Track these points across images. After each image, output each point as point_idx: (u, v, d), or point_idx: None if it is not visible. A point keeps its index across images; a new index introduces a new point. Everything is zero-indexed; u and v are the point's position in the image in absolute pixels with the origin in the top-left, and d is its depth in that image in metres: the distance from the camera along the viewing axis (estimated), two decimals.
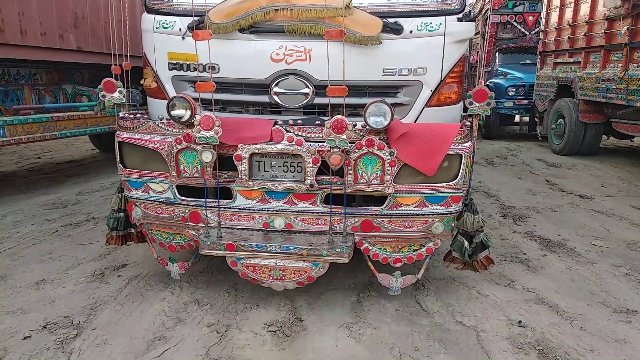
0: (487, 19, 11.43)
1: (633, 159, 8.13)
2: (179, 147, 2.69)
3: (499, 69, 11.16)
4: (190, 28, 2.89)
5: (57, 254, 3.72)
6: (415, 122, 3.00)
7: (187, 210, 2.83)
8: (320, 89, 2.86)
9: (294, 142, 2.63)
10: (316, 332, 2.53)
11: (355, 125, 2.63)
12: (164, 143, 2.75)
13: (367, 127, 2.58)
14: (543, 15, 9.31)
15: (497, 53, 11.41)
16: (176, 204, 2.83)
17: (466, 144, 2.72)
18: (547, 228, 4.40)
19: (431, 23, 2.86)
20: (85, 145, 9.49)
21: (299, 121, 2.73)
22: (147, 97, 3.29)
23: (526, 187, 6.15)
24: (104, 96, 2.96)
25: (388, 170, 2.61)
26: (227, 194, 2.80)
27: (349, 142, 2.57)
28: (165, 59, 3.06)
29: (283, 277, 2.65)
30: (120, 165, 2.92)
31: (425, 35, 2.87)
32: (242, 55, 2.91)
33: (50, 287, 3.07)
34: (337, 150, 2.54)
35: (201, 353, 2.33)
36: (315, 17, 2.76)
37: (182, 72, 3.04)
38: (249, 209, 2.77)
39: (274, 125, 2.68)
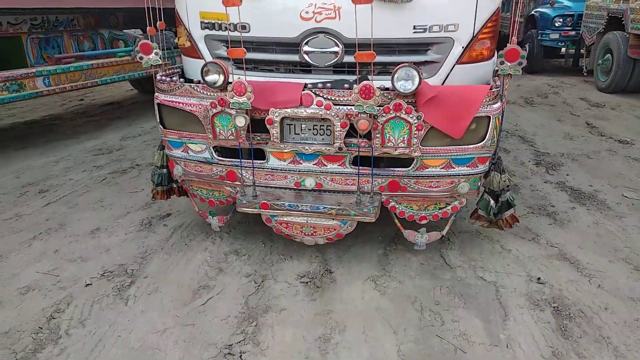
0: None
1: None
2: (214, 111, 2.82)
3: None
4: None
5: (108, 201, 4.04)
6: (446, 79, 2.99)
7: (224, 170, 3.00)
8: (350, 47, 2.85)
9: (322, 107, 2.70)
10: (344, 284, 2.75)
11: (383, 88, 2.66)
12: (200, 106, 2.87)
13: (395, 91, 2.61)
14: None
15: None
16: (214, 163, 3.00)
17: (495, 105, 2.71)
18: (580, 177, 4.38)
19: None
20: (124, 86, 9.75)
21: (328, 84, 2.77)
22: (182, 56, 3.38)
23: (564, 131, 6.01)
24: (141, 58, 3.07)
25: (415, 134, 2.66)
26: (261, 154, 2.95)
27: (377, 106, 2.62)
28: (198, 18, 3.10)
29: (314, 234, 2.84)
30: (160, 125, 3.09)
31: None
32: (272, 14, 2.92)
33: (105, 236, 3.40)
34: (365, 115, 2.60)
35: (241, 302, 2.60)
36: None
37: (214, 32, 3.08)
38: (281, 169, 2.91)
39: (303, 90, 2.75)
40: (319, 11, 2.85)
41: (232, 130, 2.85)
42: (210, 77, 2.75)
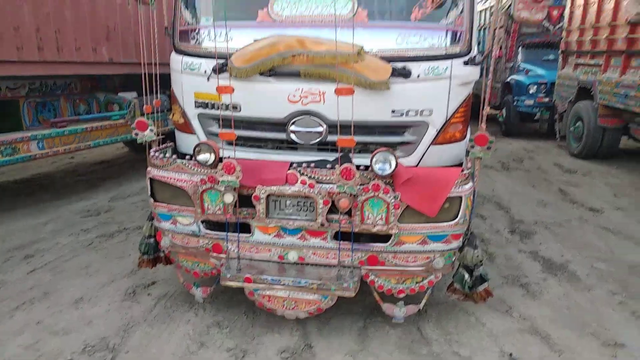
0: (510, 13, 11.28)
1: None
2: (204, 187, 2.98)
3: (521, 64, 11.08)
4: (215, 70, 3.13)
5: (94, 268, 4.09)
6: (421, 158, 3.21)
7: (210, 242, 3.13)
8: (334, 127, 3.07)
9: (306, 185, 2.88)
10: (324, 359, 2.82)
11: (364, 167, 2.85)
12: (191, 182, 3.03)
13: (373, 172, 2.81)
14: (567, 13, 9.20)
15: (520, 48, 11.31)
16: (200, 236, 3.13)
17: (466, 186, 2.92)
18: (552, 247, 4.57)
19: (438, 67, 3.04)
20: (115, 144, 9.90)
21: (312, 164, 2.97)
22: (176, 131, 3.58)
23: (538, 198, 6.27)
24: (136, 134, 3.26)
25: (392, 212, 2.84)
26: (246, 227, 3.08)
27: (358, 185, 2.81)
28: (192, 98, 3.33)
29: (295, 307, 2.94)
30: (151, 198, 3.23)
31: (432, 79, 3.05)
32: (262, 96, 3.15)
33: (88, 306, 3.43)
34: (346, 194, 2.78)
35: None
36: (329, 63, 2.96)
37: (207, 110, 3.30)
38: (266, 243, 3.05)
39: (289, 169, 2.94)
40: (305, 95, 3.10)
41: (220, 206, 3.00)
42: (202, 156, 2.93)
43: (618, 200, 6.09)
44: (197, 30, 3.37)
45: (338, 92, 2.69)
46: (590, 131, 8.07)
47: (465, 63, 3.06)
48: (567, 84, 9.02)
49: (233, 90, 2.83)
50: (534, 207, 5.88)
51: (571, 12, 8.98)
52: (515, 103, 10.71)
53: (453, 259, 3.06)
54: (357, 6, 3.09)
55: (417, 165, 3.22)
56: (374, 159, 2.78)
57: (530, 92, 10.44)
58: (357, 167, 2.87)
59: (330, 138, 3.16)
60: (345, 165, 2.75)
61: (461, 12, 3.05)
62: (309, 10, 3.13)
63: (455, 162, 3.30)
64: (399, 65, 3.00)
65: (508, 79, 11.24)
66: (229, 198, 2.87)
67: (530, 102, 10.50)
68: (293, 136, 3.18)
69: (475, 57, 3.07)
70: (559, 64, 9.49)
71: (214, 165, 2.93)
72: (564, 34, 9.32)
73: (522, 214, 5.60)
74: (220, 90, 2.82)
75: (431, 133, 3.16)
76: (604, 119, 7.78)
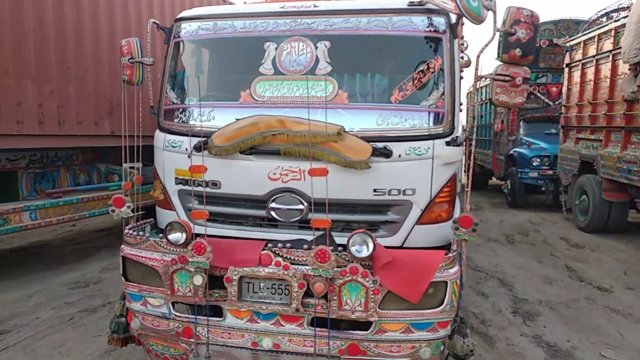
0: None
1: None
2: (174, 267, 2.86)
3: (523, 138, 11.14)
4: (196, 148, 3.14)
5: (68, 347, 3.90)
6: (406, 238, 3.10)
7: (180, 325, 2.95)
8: (315, 205, 3.00)
9: (281, 267, 2.76)
10: None
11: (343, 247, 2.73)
12: (162, 261, 2.92)
13: (351, 255, 2.68)
14: (564, 90, 9.35)
15: (521, 122, 11.43)
16: (170, 318, 2.97)
17: (452, 270, 2.76)
18: (557, 331, 4.28)
19: (419, 147, 3.00)
20: None
21: (288, 244, 2.86)
22: (156, 207, 3.53)
23: (544, 274, 6.01)
24: (113, 211, 3.21)
25: (372, 297, 2.67)
26: (219, 311, 2.92)
27: (336, 267, 2.68)
28: (173, 175, 3.31)
29: None
30: (122, 277, 3.11)
31: (414, 159, 3.00)
32: (242, 174, 3.13)
33: None
34: (321, 278, 2.64)
35: None
36: (310, 142, 2.94)
37: (187, 187, 3.27)
38: (239, 328, 2.86)
39: (263, 249, 2.82)
40: (285, 173, 3.06)
41: (190, 287, 2.86)
42: (173, 235, 2.85)
43: (628, 279, 5.79)
44: (180, 110, 3.42)
45: (312, 172, 2.65)
46: (596, 205, 7.90)
47: (448, 143, 3.02)
48: (569, 157, 8.98)
49: (206, 169, 2.80)
50: (539, 285, 5.61)
51: (568, 90, 9.13)
52: (519, 175, 10.65)
53: (442, 348, 2.84)
54: (337, 89, 3.12)
55: (402, 245, 3.10)
56: (351, 241, 2.67)
57: (534, 164, 10.41)
58: (341, 246, 2.76)
59: (312, 216, 3.07)
60: (320, 247, 2.63)
61: (442, 94, 3.06)
62: (290, 91, 3.16)
63: (442, 242, 3.16)
64: (380, 145, 2.98)
65: (511, 152, 11.27)
66: (199, 280, 2.75)
67: (534, 174, 10.44)
68: (273, 213, 3.12)
69: (457, 137, 3.03)
70: (560, 138, 9.51)
71: (185, 244, 2.84)
72: (562, 109, 9.42)
73: (526, 292, 5.33)
74: (193, 169, 2.79)
75: (415, 212, 3.06)
76: (608, 193, 7.63)
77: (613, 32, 7.41)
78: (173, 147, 3.29)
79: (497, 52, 2.71)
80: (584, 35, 8.45)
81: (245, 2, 4.69)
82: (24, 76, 5.11)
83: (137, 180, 3.38)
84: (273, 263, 2.77)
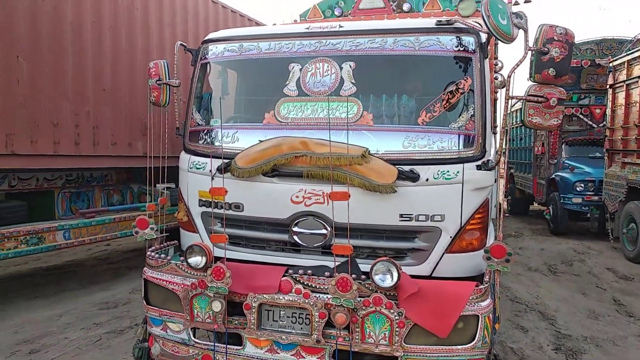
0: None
1: None
2: (194, 292, 2.80)
3: (566, 161, 10.67)
4: (219, 170, 3.11)
5: None
6: (435, 267, 2.93)
7: (200, 353, 2.88)
8: (339, 230, 2.91)
9: (301, 295, 2.65)
10: None
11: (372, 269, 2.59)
12: (183, 285, 2.87)
13: (374, 284, 2.54)
14: (608, 111, 8.93)
15: (563, 145, 10.97)
16: (190, 345, 2.89)
17: (484, 303, 2.57)
18: None
19: (448, 171, 2.86)
20: None
21: (309, 271, 2.75)
22: (180, 230, 3.50)
23: (589, 307, 5.61)
24: (136, 232, 3.20)
25: (397, 330, 2.52)
26: (239, 338, 2.83)
27: (358, 297, 2.54)
28: (196, 196, 3.28)
29: None
30: (144, 300, 3.07)
31: (442, 183, 2.86)
32: (265, 197, 3.07)
33: None
34: (343, 308, 2.51)
35: None
36: (333, 164, 2.86)
37: (210, 209, 3.23)
38: (258, 358, 2.76)
39: (283, 275, 2.72)
40: (308, 196, 2.98)
41: (209, 313, 2.79)
42: (193, 259, 2.80)
43: None
44: (204, 131, 3.41)
45: (333, 196, 2.55)
46: None
47: (479, 167, 2.86)
48: (615, 182, 8.50)
49: (226, 192, 2.74)
50: (584, 319, 5.23)
51: (613, 111, 8.71)
52: (562, 201, 10.16)
53: None
54: (362, 110, 3.04)
55: (430, 275, 2.94)
56: (374, 269, 2.54)
57: (578, 189, 9.92)
58: (366, 274, 2.63)
59: (336, 241, 2.97)
60: (342, 275, 2.51)
61: (472, 115, 2.92)
62: (314, 113, 3.10)
63: (474, 273, 2.97)
64: (406, 168, 2.85)
65: (553, 176, 10.80)
66: (217, 306, 2.67)
67: (578, 200, 9.93)
68: (296, 238, 3.03)
69: (488, 161, 2.87)
70: (605, 162, 9.04)
71: (204, 268, 2.77)
72: (607, 132, 8.97)
73: (570, 327, 4.97)
74: (213, 192, 2.74)
75: (445, 240, 2.90)
76: None
77: None
78: (197, 168, 3.27)
79: (530, 72, 2.56)
80: (628, 55, 8.08)
81: (274, 24, 4.73)
82: (62, 98, 5.28)
83: (161, 201, 3.37)
84: (293, 290, 2.66)
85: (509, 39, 2.45)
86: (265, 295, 2.69)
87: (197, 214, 3.29)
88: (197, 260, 2.79)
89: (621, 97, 8.36)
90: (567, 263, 7.90)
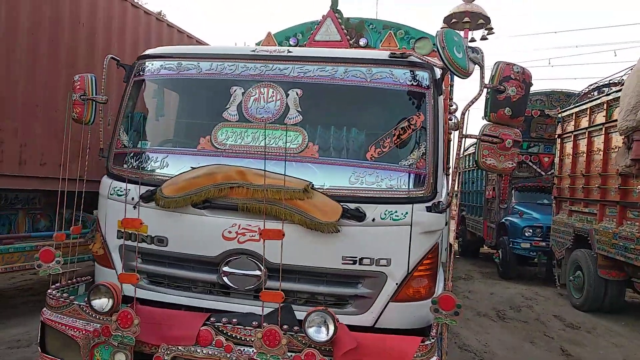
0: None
1: None
2: (96, 340, 2.38)
3: (515, 206, 10.84)
4: (143, 198, 2.77)
5: None
6: (379, 317, 2.66)
7: None
8: (275, 272, 2.61)
9: (222, 348, 2.29)
10: None
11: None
12: (84, 332, 2.44)
13: (307, 338, 2.22)
14: (556, 160, 9.16)
15: (513, 191, 11.17)
16: None
17: None
18: None
19: (397, 211, 2.63)
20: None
21: (234, 320, 2.40)
22: (95, 265, 3.08)
23: (538, 357, 5.47)
24: (39, 265, 2.76)
25: None
26: None
27: (289, 352, 2.21)
28: (115, 227, 2.89)
29: None
30: (39, 347, 2.61)
31: (390, 224, 2.63)
32: (193, 231, 2.75)
33: None
34: None
35: None
36: (272, 198, 2.58)
37: (129, 242, 2.85)
38: None
39: (204, 324, 2.36)
40: (242, 232, 2.68)
41: None
42: (98, 301, 2.39)
43: None
44: (131, 154, 3.06)
45: (264, 234, 2.25)
46: (591, 282, 7.43)
47: (429, 209, 2.65)
48: (562, 229, 8.62)
49: (141, 224, 2.39)
50: None
51: (560, 160, 8.93)
52: (511, 245, 10.24)
53: None
54: (307, 140, 2.79)
55: (373, 325, 2.65)
56: (308, 320, 2.23)
57: (526, 234, 10.03)
58: (302, 322, 2.31)
59: (271, 284, 2.65)
60: (269, 327, 2.17)
61: (424, 154, 2.73)
62: (255, 141, 2.83)
63: (421, 324, 2.72)
64: (352, 206, 2.61)
65: (503, 220, 10.92)
66: (121, 359, 2.25)
67: (526, 245, 10.02)
68: (225, 279, 2.70)
69: (439, 202, 2.66)
70: (553, 209, 9.20)
71: (110, 312, 2.37)
72: (555, 180, 9.17)
73: None
74: (127, 223, 2.38)
75: (390, 287, 2.65)
76: (604, 270, 7.19)
77: (605, 105, 7.29)
78: (118, 195, 2.90)
79: (485, 110, 2.40)
80: (576, 107, 8.37)
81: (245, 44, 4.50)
82: None
83: (74, 230, 2.95)
84: (214, 342, 2.30)
85: (465, 73, 2.29)
86: (180, 347, 2.31)
87: (115, 247, 2.91)
88: (102, 302, 2.39)
89: (569, 147, 8.59)
90: (516, 309, 7.82)
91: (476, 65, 2.34)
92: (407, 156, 2.75)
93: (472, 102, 2.36)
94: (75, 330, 2.46)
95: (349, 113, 3.02)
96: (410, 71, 2.83)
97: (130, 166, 3.01)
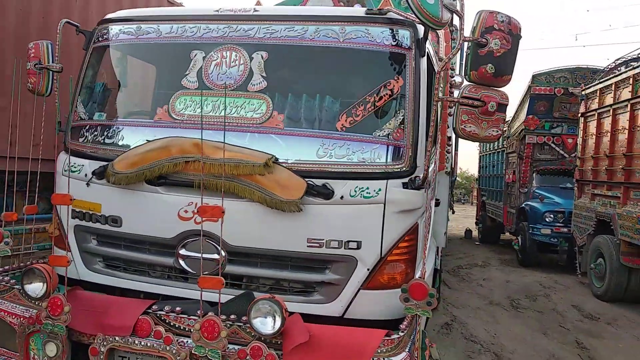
0: (522, 138, 10.84)
1: None
2: (31, 328, 2.18)
3: (536, 191, 10.32)
4: (96, 174, 2.55)
5: None
6: (348, 306, 2.38)
7: None
8: (235, 255, 2.38)
9: (161, 339, 2.05)
10: None
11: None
12: (22, 318, 2.25)
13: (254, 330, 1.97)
14: (579, 141, 8.60)
15: (534, 174, 10.63)
16: None
17: (396, 358, 2.01)
18: None
19: (368, 188, 2.34)
20: None
21: (178, 308, 2.16)
22: (53, 247, 2.89)
23: (549, 350, 5.09)
24: None
25: None
26: None
27: (234, 345, 1.97)
28: (70, 206, 2.68)
29: None
30: None
31: (360, 203, 2.33)
32: (148, 210, 2.52)
33: None
34: None
35: None
36: (230, 174, 2.32)
37: (84, 222, 2.65)
38: None
39: (143, 312, 2.12)
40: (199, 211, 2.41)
41: (48, 357, 2.16)
42: (30, 286, 2.18)
43: None
44: (87, 127, 2.83)
45: (201, 211, 1.98)
46: (613, 270, 6.96)
47: (405, 185, 2.33)
48: (584, 214, 8.11)
49: (72, 200, 2.16)
50: None
51: (583, 140, 8.38)
52: (531, 231, 9.75)
53: None
54: (272, 109, 2.50)
55: (342, 316, 2.38)
56: (254, 310, 1.96)
57: (547, 220, 9.54)
58: None
59: (231, 268, 2.42)
60: (208, 317, 1.92)
61: (401, 123, 2.40)
62: (215, 110, 2.55)
63: (397, 315, 2.41)
64: (318, 182, 2.32)
65: (523, 205, 10.42)
66: (52, 350, 2.08)
67: (547, 231, 9.54)
68: (182, 263, 2.47)
69: (416, 178, 2.34)
70: (575, 192, 8.67)
71: (44, 298, 2.16)
72: (577, 162, 8.63)
73: None
74: (56, 199, 2.15)
75: (361, 273, 2.37)
76: (627, 257, 6.70)
77: (631, 79, 6.73)
78: (73, 171, 2.68)
79: (464, 68, 2.06)
80: (601, 82, 7.79)
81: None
82: None
83: (28, 210, 2.76)
84: (152, 333, 2.06)
85: (436, 22, 1.95)
86: (117, 338, 2.08)
87: (70, 227, 2.69)
88: (35, 287, 2.18)
89: (592, 126, 8.04)
90: (532, 298, 7.41)
91: (455, 15, 1.99)
92: (382, 126, 2.43)
93: (450, 57, 2.03)
94: (13, 316, 2.27)
95: (319, 78, 2.71)
96: (390, 29, 2.49)
97: (86, 140, 2.79)
